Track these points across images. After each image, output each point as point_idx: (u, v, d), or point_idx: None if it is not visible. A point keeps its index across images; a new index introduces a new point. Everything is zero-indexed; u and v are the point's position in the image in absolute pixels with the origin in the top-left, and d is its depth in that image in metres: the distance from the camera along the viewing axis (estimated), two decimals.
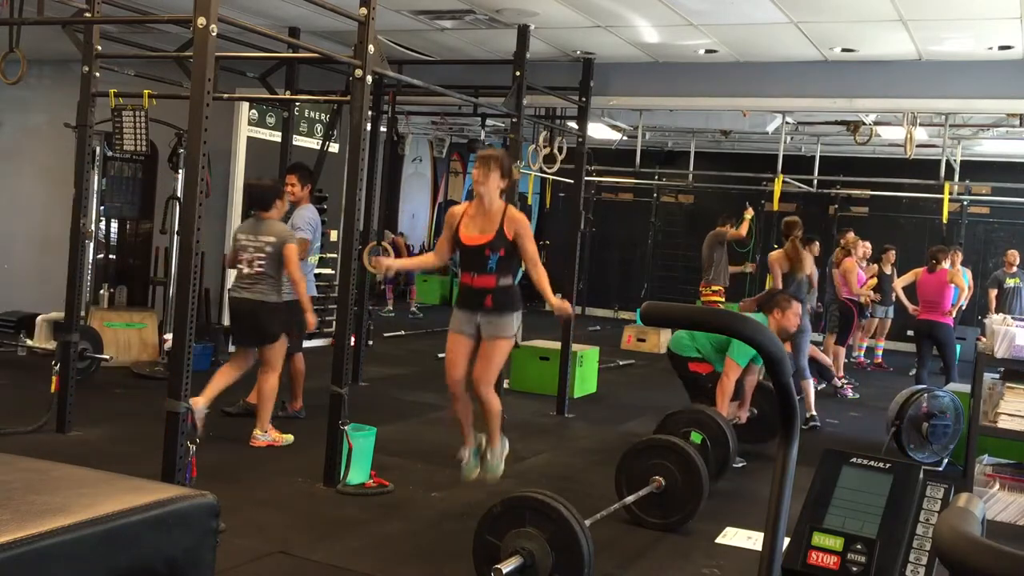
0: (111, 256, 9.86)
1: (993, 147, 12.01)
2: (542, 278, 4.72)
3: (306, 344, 9.56)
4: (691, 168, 13.24)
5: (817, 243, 10.91)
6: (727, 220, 10.23)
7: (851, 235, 10.19)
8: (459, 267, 4.79)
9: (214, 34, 4.10)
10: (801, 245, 7.86)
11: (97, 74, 5.76)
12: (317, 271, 9.50)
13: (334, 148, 9.50)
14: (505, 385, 6.91)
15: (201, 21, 4.08)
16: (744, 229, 10.19)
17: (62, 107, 7.84)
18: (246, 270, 5.95)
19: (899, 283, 9.60)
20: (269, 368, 5.90)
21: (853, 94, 7.55)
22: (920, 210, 13.96)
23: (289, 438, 5.92)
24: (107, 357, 7.36)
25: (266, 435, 5.87)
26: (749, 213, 10.34)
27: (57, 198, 8.76)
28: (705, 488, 4.70)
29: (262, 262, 5.91)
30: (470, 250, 4.64)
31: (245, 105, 9.02)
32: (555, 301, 4.84)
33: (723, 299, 10.18)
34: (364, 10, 4.91)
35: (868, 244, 10.51)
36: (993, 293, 11.63)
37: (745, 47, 7.33)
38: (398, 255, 10.43)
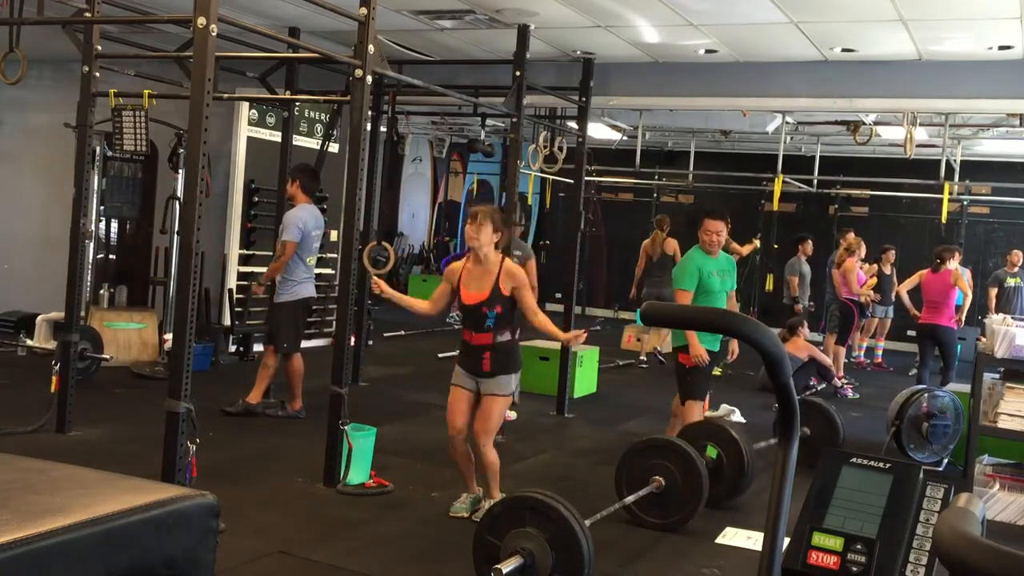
0: (111, 256, 9.86)
1: (993, 147, 12.01)
2: (544, 324, 4.74)
3: (306, 344, 9.61)
4: (691, 168, 13.23)
5: (809, 242, 10.94)
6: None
7: (852, 235, 10.19)
8: (461, 323, 4.83)
9: (214, 34, 4.10)
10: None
11: (97, 74, 5.76)
12: (317, 271, 9.54)
13: (334, 148, 9.51)
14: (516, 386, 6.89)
15: (201, 21, 4.08)
16: (746, 251, 10.23)
17: (62, 107, 7.84)
18: None
19: (903, 287, 9.60)
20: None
21: (853, 94, 7.55)
22: (920, 210, 13.95)
23: None
24: (107, 357, 7.36)
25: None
26: (757, 242, 10.43)
27: (57, 198, 8.75)
28: (705, 488, 4.70)
29: None
30: (468, 308, 4.66)
31: (245, 105, 9.02)
32: (562, 336, 4.89)
33: None
34: (364, 10, 4.91)
35: (863, 244, 10.52)
36: (993, 292, 11.63)
37: (745, 47, 7.33)
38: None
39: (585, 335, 5.01)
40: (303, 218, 6.58)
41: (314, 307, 7.15)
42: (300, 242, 6.51)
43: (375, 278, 4.97)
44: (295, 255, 6.53)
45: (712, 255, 5.89)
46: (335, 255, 8.82)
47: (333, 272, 9.71)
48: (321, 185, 9.02)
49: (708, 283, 5.75)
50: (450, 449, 4.76)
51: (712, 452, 5.11)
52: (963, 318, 8.96)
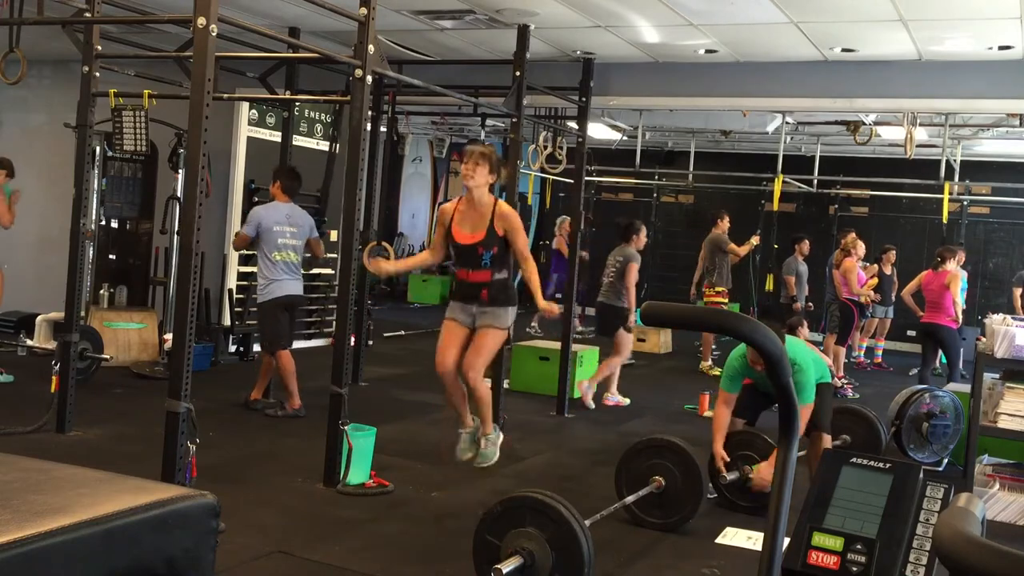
0: (111, 256, 9.86)
1: (993, 147, 12.01)
2: (532, 274, 4.74)
3: (306, 344, 9.61)
4: (691, 168, 13.24)
5: (806, 242, 10.94)
6: (721, 219, 10.24)
7: (852, 235, 10.20)
8: (454, 264, 4.81)
9: (214, 34, 4.10)
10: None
11: (97, 74, 5.76)
12: (316, 271, 9.55)
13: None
14: (505, 385, 6.91)
15: (201, 21, 4.08)
16: (744, 251, 10.22)
17: (62, 107, 7.85)
18: None
19: (906, 291, 9.60)
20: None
21: (853, 94, 7.55)
22: (920, 210, 13.96)
23: None
24: (107, 357, 7.36)
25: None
26: (756, 240, 10.41)
27: (57, 198, 8.76)
28: (705, 488, 4.70)
29: None
30: (464, 248, 4.66)
31: (245, 105, 9.02)
32: (542, 303, 4.85)
33: (726, 300, 10.19)
34: (364, 10, 4.91)
35: (860, 244, 10.51)
36: (1018, 292, 11.58)
37: (745, 47, 7.33)
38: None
39: (558, 312, 5.02)
40: (261, 214, 6.73)
41: (300, 305, 7.10)
42: (260, 238, 6.61)
43: (376, 261, 4.97)
44: (262, 252, 6.67)
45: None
46: (335, 255, 8.82)
47: (333, 272, 9.70)
48: (320, 185, 9.12)
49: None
50: (444, 391, 4.75)
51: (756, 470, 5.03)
52: (959, 317, 8.96)
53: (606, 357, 8.09)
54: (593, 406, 7.86)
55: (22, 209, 8.00)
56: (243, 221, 9.19)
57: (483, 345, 4.62)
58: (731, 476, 4.98)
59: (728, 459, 5.06)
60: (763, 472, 4.92)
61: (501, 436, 5.35)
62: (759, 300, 13.28)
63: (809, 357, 5.13)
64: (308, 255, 7.59)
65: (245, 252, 9.25)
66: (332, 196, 9.20)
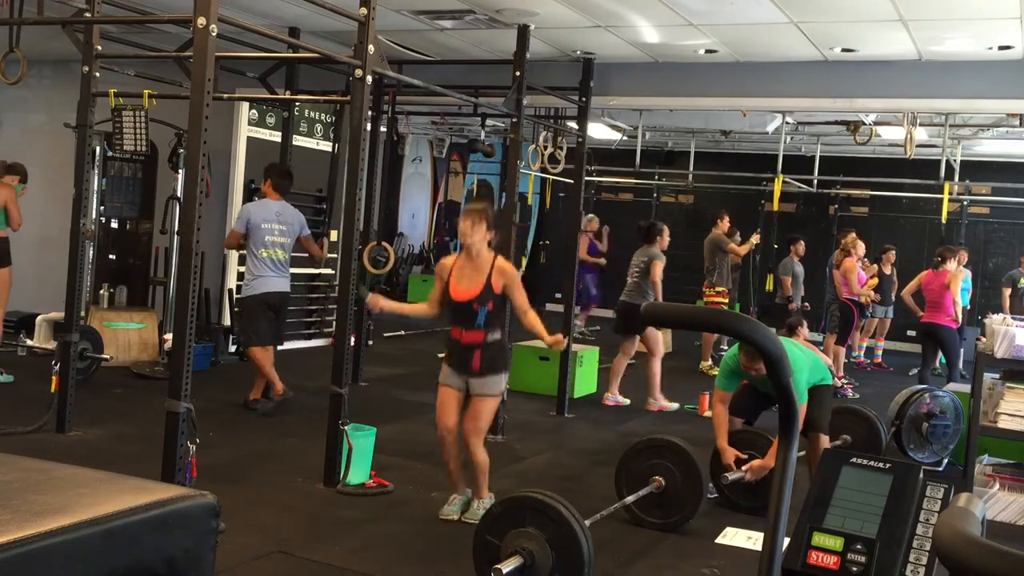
0: (111, 256, 9.86)
1: (993, 147, 12.01)
2: (534, 323, 4.73)
3: (306, 344, 9.62)
4: (691, 168, 13.23)
5: (802, 242, 10.94)
6: (720, 219, 10.24)
7: (852, 235, 10.20)
8: (449, 321, 4.78)
9: (214, 34, 4.10)
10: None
11: (97, 74, 5.76)
12: (316, 271, 9.55)
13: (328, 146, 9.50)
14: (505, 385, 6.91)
15: (201, 21, 4.08)
16: (744, 250, 10.23)
17: (62, 107, 7.85)
18: None
19: (906, 291, 9.60)
20: None
21: (853, 94, 7.55)
22: (920, 210, 13.95)
23: None
24: (107, 357, 7.36)
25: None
26: (756, 239, 10.41)
27: (57, 198, 8.76)
28: (705, 488, 4.71)
29: None
30: (459, 305, 4.64)
31: (245, 105, 9.01)
32: (549, 338, 4.84)
33: (726, 300, 10.19)
34: (364, 10, 4.91)
35: (859, 243, 10.52)
36: (1007, 292, 11.61)
37: (745, 47, 7.33)
38: None
39: (564, 342, 5.01)
40: (250, 211, 6.81)
41: (287, 303, 7.06)
42: (249, 235, 6.67)
43: (371, 296, 4.95)
44: (249, 249, 6.73)
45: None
46: (335, 255, 8.82)
47: (333, 272, 9.70)
48: (321, 185, 9.11)
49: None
50: (442, 452, 4.76)
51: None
52: (959, 317, 8.97)
53: (613, 358, 8.16)
54: (674, 406, 8.10)
55: (22, 209, 8.00)
56: None
57: (480, 413, 4.64)
58: (734, 476, 4.98)
59: (741, 455, 5.06)
60: (755, 463, 4.95)
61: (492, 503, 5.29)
62: (759, 300, 13.27)
63: (803, 360, 5.10)
64: (307, 255, 7.61)
65: (245, 252, 9.27)
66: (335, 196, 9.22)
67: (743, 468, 4.99)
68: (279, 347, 7.13)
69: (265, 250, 6.71)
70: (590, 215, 13.04)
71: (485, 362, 4.60)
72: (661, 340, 8.23)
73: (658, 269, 7.98)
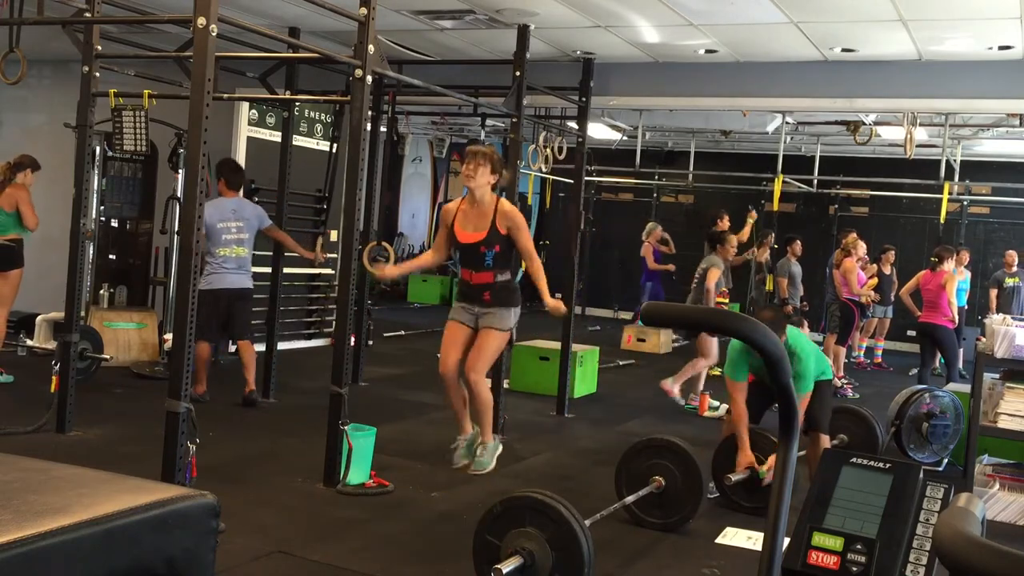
0: (111, 256, 9.86)
1: (993, 147, 12.02)
2: (539, 272, 4.73)
3: (306, 344, 9.62)
4: (691, 168, 13.24)
5: (799, 242, 10.95)
6: (720, 219, 10.23)
7: (852, 235, 10.20)
8: (458, 264, 4.80)
9: (214, 34, 4.10)
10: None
11: (97, 74, 5.76)
12: (316, 271, 9.55)
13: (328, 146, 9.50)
14: (505, 385, 6.91)
15: (201, 21, 4.07)
16: (746, 234, 10.22)
17: (62, 107, 7.83)
18: None
19: (904, 291, 9.61)
20: None
21: (853, 94, 7.55)
22: (920, 210, 13.96)
23: None
24: (107, 357, 7.36)
25: None
26: (752, 217, 10.39)
27: (57, 198, 8.74)
28: (705, 488, 4.70)
29: None
30: (466, 248, 4.65)
31: (245, 105, 9.02)
32: (550, 300, 4.83)
33: (727, 300, 10.18)
34: (364, 10, 4.91)
35: (860, 244, 10.52)
36: (993, 293, 11.67)
37: (745, 47, 7.33)
38: None
39: (564, 309, 5.03)
40: (206, 212, 6.72)
41: (247, 298, 7.00)
42: (208, 235, 6.62)
43: (379, 265, 4.96)
44: (208, 249, 6.71)
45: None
46: (335, 255, 8.82)
47: (333, 272, 9.70)
48: (321, 185, 9.10)
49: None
50: (446, 393, 4.74)
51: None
52: (955, 317, 8.98)
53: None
54: (682, 400, 8.16)
55: None
56: None
57: (485, 346, 4.62)
58: (737, 477, 4.98)
59: (755, 463, 5.02)
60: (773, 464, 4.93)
61: (500, 447, 5.34)
62: (749, 302, 13.28)
63: (810, 347, 5.14)
64: (311, 258, 7.56)
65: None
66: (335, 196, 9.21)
67: (763, 468, 4.97)
68: (278, 347, 7.12)
69: (224, 249, 6.72)
70: (652, 223, 13.07)
71: (495, 296, 4.62)
72: (714, 345, 8.22)
73: (713, 275, 8.09)
